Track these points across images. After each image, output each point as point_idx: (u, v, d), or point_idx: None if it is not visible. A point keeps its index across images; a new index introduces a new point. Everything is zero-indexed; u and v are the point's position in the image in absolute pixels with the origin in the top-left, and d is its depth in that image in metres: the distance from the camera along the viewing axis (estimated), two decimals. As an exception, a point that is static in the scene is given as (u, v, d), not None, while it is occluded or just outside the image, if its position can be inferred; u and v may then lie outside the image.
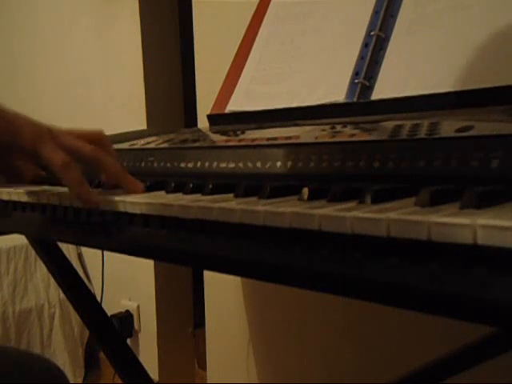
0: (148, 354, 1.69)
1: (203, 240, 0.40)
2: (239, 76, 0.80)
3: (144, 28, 1.59)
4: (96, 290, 1.68)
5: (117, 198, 0.47)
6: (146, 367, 1.00)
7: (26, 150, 0.52)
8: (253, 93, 0.77)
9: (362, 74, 0.65)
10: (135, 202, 0.45)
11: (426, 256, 0.27)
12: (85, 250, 1.89)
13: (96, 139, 0.55)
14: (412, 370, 0.76)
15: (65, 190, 0.56)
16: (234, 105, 0.78)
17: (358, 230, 0.30)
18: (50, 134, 0.52)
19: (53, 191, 0.55)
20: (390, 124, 0.49)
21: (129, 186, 0.52)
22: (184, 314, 1.77)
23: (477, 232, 0.25)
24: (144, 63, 1.60)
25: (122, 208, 0.46)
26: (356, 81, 0.65)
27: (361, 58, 0.66)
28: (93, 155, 0.52)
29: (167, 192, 0.49)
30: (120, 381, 0.99)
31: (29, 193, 0.57)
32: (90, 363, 1.87)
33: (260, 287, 1.19)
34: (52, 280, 1.67)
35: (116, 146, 0.72)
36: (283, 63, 0.75)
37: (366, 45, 0.66)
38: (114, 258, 1.33)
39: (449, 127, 0.43)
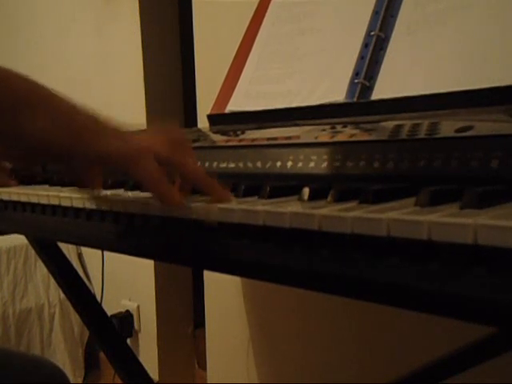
0: (148, 354, 1.69)
1: (203, 240, 0.40)
2: (239, 76, 0.80)
3: (144, 28, 1.59)
4: (96, 290, 1.68)
5: (121, 198, 0.47)
6: (146, 367, 1.00)
7: (112, 162, 0.43)
8: (253, 93, 0.77)
9: (362, 74, 0.65)
10: (142, 201, 0.45)
11: (425, 256, 0.27)
12: (85, 250, 1.89)
13: (178, 146, 0.46)
14: (412, 369, 0.76)
15: (65, 190, 0.56)
16: (234, 105, 0.78)
17: (358, 229, 0.30)
18: (139, 149, 0.43)
19: (53, 191, 0.55)
20: (390, 124, 0.49)
21: (214, 194, 0.43)
22: (184, 314, 1.77)
23: (477, 232, 0.25)
24: (144, 63, 1.60)
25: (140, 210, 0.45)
26: (356, 81, 0.65)
27: (361, 57, 0.66)
28: (168, 155, 0.44)
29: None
30: (120, 381, 0.99)
31: (29, 193, 0.57)
32: (90, 363, 1.87)
33: (260, 287, 1.19)
34: (52, 280, 1.67)
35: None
36: (283, 63, 0.75)
37: (366, 45, 0.66)
38: (114, 258, 1.33)
39: (449, 127, 0.43)
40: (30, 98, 0.41)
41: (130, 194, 0.52)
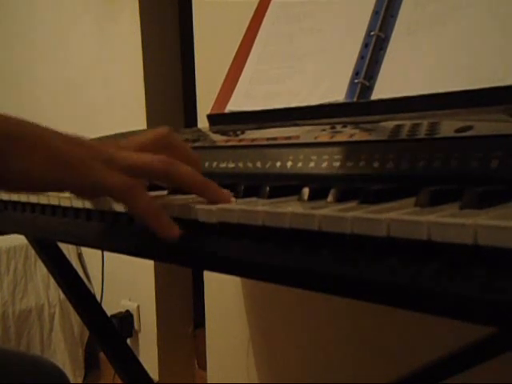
0: (148, 354, 1.69)
1: (203, 240, 0.40)
2: (239, 76, 0.80)
3: (144, 28, 1.59)
4: (96, 290, 1.68)
5: None
6: (146, 367, 1.00)
7: (76, 186, 0.42)
8: (253, 93, 0.77)
9: (362, 74, 0.65)
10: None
11: (426, 256, 0.27)
12: (85, 250, 1.89)
13: (164, 144, 0.45)
14: (412, 369, 0.76)
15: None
16: (234, 105, 0.78)
17: (358, 230, 0.30)
18: (100, 156, 0.41)
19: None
20: (390, 124, 0.49)
21: (214, 198, 0.42)
22: (184, 314, 1.77)
23: (477, 232, 0.25)
24: (144, 63, 1.60)
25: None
26: (356, 81, 0.65)
27: (361, 57, 0.66)
28: (162, 169, 0.42)
29: (168, 192, 0.49)
30: (120, 381, 0.99)
31: (29, 193, 0.57)
32: (90, 363, 1.87)
33: (260, 287, 1.19)
34: (52, 280, 1.67)
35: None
36: (283, 63, 0.75)
37: (366, 45, 0.66)
38: (114, 258, 1.33)
39: (449, 127, 0.43)
40: (13, 135, 0.40)
41: None
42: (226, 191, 0.43)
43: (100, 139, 0.70)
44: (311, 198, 0.38)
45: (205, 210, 0.39)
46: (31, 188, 0.44)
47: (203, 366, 1.55)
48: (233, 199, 0.42)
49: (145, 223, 0.41)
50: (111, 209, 0.47)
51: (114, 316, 1.69)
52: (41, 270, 1.75)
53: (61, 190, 0.44)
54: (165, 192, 0.50)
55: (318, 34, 0.73)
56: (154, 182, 0.48)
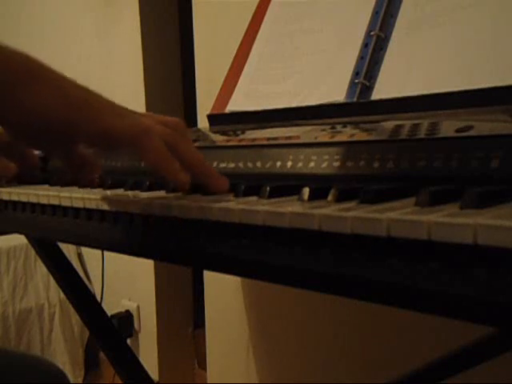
0: (148, 354, 1.69)
1: (203, 240, 0.40)
2: (239, 76, 0.80)
3: (144, 28, 1.59)
4: (96, 290, 1.68)
5: (121, 198, 0.47)
6: (146, 367, 1.00)
7: (122, 140, 0.42)
8: (253, 93, 0.77)
9: (362, 74, 0.65)
10: (141, 201, 0.45)
11: (426, 256, 0.27)
12: (85, 250, 1.89)
13: (175, 126, 0.47)
14: (412, 369, 0.76)
15: (65, 190, 0.56)
16: (234, 105, 0.78)
17: (358, 230, 0.30)
18: (117, 111, 0.42)
19: (53, 191, 0.55)
20: (390, 124, 0.49)
21: (210, 181, 0.43)
22: (184, 314, 1.77)
23: (477, 232, 0.25)
24: (144, 63, 1.60)
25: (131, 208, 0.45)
26: (356, 81, 0.65)
27: (361, 57, 0.66)
28: (169, 138, 0.43)
29: (167, 192, 0.49)
30: (120, 381, 0.99)
31: (29, 193, 0.57)
32: (90, 363, 1.87)
33: (260, 287, 1.19)
34: (52, 280, 1.67)
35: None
36: (283, 63, 0.75)
37: (366, 45, 0.66)
38: (114, 258, 1.33)
39: (449, 127, 0.43)
40: (29, 73, 0.40)
41: (129, 193, 0.52)
42: (224, 178, 0.43)
43: None
44: (311, 197, 0.38)
45: (205, 210, 0.39)
46: (40, 126, 0.41)
47: (203, 366, 1.55)
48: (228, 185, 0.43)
49: (155, 168, 0.41)
50: (111, 209, 0.47)
51: (113, 316, 1.69)
52: (41, 269, 1.75)
53: (69, 134, 0.42)
54: (163, 192, 0.50)
55: (318, 34, 0.73)
56: None
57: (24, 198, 0.57)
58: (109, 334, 0.98)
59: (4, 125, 0.42)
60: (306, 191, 0.38)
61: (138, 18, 1.58)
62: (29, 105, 0.39)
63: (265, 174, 0.50)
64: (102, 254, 1.42)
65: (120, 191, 0.53)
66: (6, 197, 0.60)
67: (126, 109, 0.44)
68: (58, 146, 0.46)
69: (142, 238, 0.45)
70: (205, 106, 1.19)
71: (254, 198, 0.41)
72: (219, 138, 0.66)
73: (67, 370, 1.74)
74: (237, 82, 0.80)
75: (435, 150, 0.40)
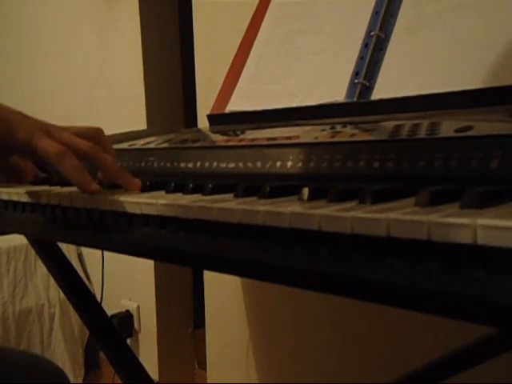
0: (148, 354, 1.69)
1: (203, 240, 0.40)
2: (239, 76, 0.80)
3: (144, 28, 1.59)
4: (96, 290, 1.68)
5: (121, 199, 0.47)
6: (146, 367, 1.00)
7: (21, 145, 0.52)
8: (253, 93, 0.77)
9: (362, 74, 0.65)
10: (141, 202, 0.45)
11: (426, 256, 0.27)
12: (85, 250, 1.89)
13: (93, 136, 0.55)
14: (412, 369, 0.76)
15: (65, 190, 0.56)
16: (234, 105, 0.78)
17: (357, 230, 0.30)
18: (46, 130, 0.52)
19: (53, 191, 0.55)
20: (390, 124, 0.49)
21: (125, 184, 0.52)
22: (184, 314, 1.77)
23: (477, 232, 0.25)
24: (144, 63, 1.60)
25: (131, 209, 0.45)
26: (356, 81, 0.65)
27: (361, 58, 0.66)
28: (88, 151, 0.52)
29: (167, 192, 0.49)
30: (120, 381, 0.99)
31: (29, 193, 0.57)
32: (90, 363, 1.87)
33: (260, 287, 1.19)
34: (52, 280, 1.67)
35: (116, 146, 0.72)
36: (283, 63, 0.75)
37: (365, 45, 0.66)
38: (114, 258, 1.33)
39: (448, 127, 0.43)
40: None
41: (130, 193, 0.52)
42: (136, 180, 0.52)
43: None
44: (311, 197, 0.38)
45: (205, 210, 0.39)
46: None
47: (203, 366, 1.55)
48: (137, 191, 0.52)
49: (71, 179, 0.50)
50: (111, 209, 0.47)
51: (114, 316, 1.69)
52: (41, 269, 1.75)
53: (8, 150, 0.55)
54: (163, 192, 0.50)
55: (317, 34, 0.73)
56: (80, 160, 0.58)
57: (24, 198, 0.57)
58: (109, 334, 0.98)
59: None
60: (306, 191, 0.38)
61: (137, 17, 1.58)
62: None
63: (265, 174, 0.50)
64: (102, 254, 1.42)
65: (120, 191, 0.53)
66: (5, 197, 0.60)
67: (50, 126, 0.54)
68: None
69: (142, 238, 0.45)
70: (205, 106, 1.19)
71: (253, 198, 0.41)
72: (219, 138, 0.66)
73: (67, 370, 1.74)
74: (237, 82, 0.80)
75: (435, 150, 0.40)
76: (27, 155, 0.57)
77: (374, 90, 0.63)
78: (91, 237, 0.51)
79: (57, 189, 0.58)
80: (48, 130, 0.52)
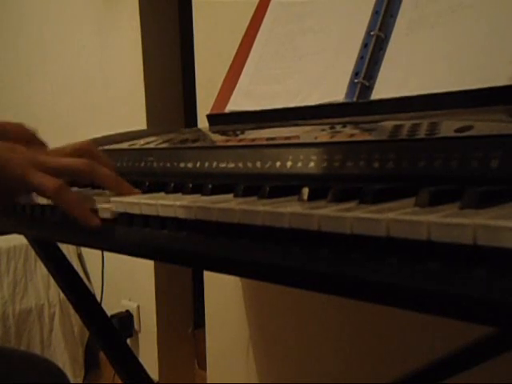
0: (148, 354, 1.69)
1: (203, 240, 0.40)
2: (239, 76, 0.80)
3: (144, 28, 1.59)
4: (96, 290, 1.68)
5: (121, 200, 0.47)
6: (146, 367, 1.00)
7: (15, 184, 0.49)
8: (253, 93, 0.77)
9: (362, 74, 0.65)
10: (141, 202, 0.45)
11: (426, 256, 0.27)
12: (85, 250, 1.89)
13: (86, 152, 0.54)
14: (412, 369, 0.76)
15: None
16: (234, 105, 0.78)
17: (357, 230, 0.30)
18: (37, 163, 0.49)
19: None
20: (390, 124, 0.49)
21: (125, 194, 0.51)
22: (184, 314, 1.77)
23: (477, 232, 0.25)
24: (144, 63, 1.60)
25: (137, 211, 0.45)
26: (356, 81, 0.65)
27: (361, 57, 0.66)
28: (84, 169, 0.50)
29: (167, 192, 0.49)
30: (120, 381, 0.99)
31: (28, 193, 0.57)
32: (90, 363, 1.87)
33: (260, 287, 1.19)
34: (52, 280, 1.67)
35: (116, 146, 0.72)
36: (283, 63, 0.75)
37: (365, 45, 0.66)
38: (114, 258, 1.33)
39: (448, 127, 0.43)
40: None
41: None
42: (136, 190, 0.52)
43: (94, 139, 0.77)
44: (311, 197, 0.38)
45: (205, 210, 0.39)
46: None
47: (203, 366, 1.55)
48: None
49: (70, 214, 0.48)
50: (111, 209, 0.47)
51: (114, 316, 1.69)
52: (41, 270, 1.75)
53: (2, 189, 0.50)
54: (162, 192, 0.50)
55: (318, 34, 0.73)
56: (78, 180, 0.58)
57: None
58: (109, 334, 0.98)
59: None
60: (306, 191, 0.38)
61: (137, 17, 1.58)
62: None
63: (265, 174, 0.50)
64: (102, 254, 1.42)
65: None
66: (5, 197, 0.60)
67: (48, 157, 0.51)
68: None
69: (142, 238, 0.45)
70: (205, 106, 1.19)
71: (253, 198, 0.41)
72: (219, 138, 0.66)
73: (67, 370, 1.74)
74: (237, 82, 0.80)
75: (435, 150, 0.40)
76: (23, 192, 0.54)
77: (374, 90, 0.63)
78: (91, 237, 0.51)
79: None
80: (39, 163, 0.49)
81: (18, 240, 1.70)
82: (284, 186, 0.42)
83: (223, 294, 1.28)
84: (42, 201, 0.55)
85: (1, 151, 0.49)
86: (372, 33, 0.66)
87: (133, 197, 0.48)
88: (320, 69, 0.70)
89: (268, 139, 0.55)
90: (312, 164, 0.47)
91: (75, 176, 0.52)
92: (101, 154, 0.56)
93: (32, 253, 1.71)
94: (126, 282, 1.73)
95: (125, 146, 0.71)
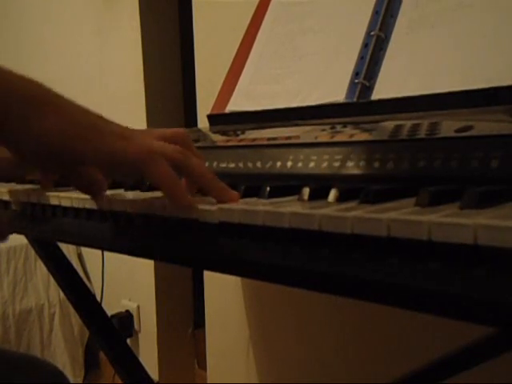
0: (148, 354, 1.69)
1: (203, 240, 0.40)
2: (239, 76, 0.80)
3: (144, 28, 1.59)
4: (96, 290, 1.68)
5: (122, 199, 0.47)
6: (146, 367, 1.00)
7: (101, 162, 0.42)
8: (253, 93, 0.77)
9: (362, 74, 0.65)
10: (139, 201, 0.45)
11: (426, 256, 0.27)
12: (85, 250, 1.89)
13: (180, 140, 0.46)
14: (412, 369, 0.76)
15: (65, 190, 0.56)
16: (234, 105, 0.78)
17: (358, 230, 0.30)
18: (124, 134, 0.43)
19: (53, 191, 0.55)
20: (390, 124, 0.49)
21: (220, 196, 0.42)
22: (184, 314, 1.77)
23: (477, 232, 0.25)
24: (144, 63, 1.60)
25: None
26: (356, 81, 0.65)
27: (361, 58, 0.66)
28: (178, 157, 0.42)
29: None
30: (120, 381, 0.99)
31: (29, 193, 0.57)
32: (90, 363, 1.87)
33: (260, 287, 1.19)
34: (52, 280, 1.67)
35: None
36: (283, 63, 0.75)
37: (365, 45, 0.66)
38: (114, 258, 1.33)
39: (449, 127, 0.43)
40: (36, 99, 0.41)
41: (129, 193, 0.52)
42: (234, 193, 0.43)
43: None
44: (311, 197, 0.38)
45: (205, 210, 0.39)
46: (47, 153, 0.41)
47: (203, 366, 1.55)
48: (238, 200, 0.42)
49: (162, 189, 0.41)
50: (111, 209, 0.47)
51: (114, 316, 1.69)
52: (41, 270, 1.75)
53: (75, 160, 0.43)
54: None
55: (318, 34, 0.73)
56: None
57: (24, 198, 0.57)
58: (109, 334, 0.98)
59: (12, 149, 0.42)
60: (306, 191, 0.38)
61: (137, 17, 1.58)
62: (36, 132, 0.40)
63: (265, 174, 0.50)
64: (102, 254, 1.42)
65: (120, 191, 0.53)
66: (6, 197, 0.60)
67: (133, 131, 0.44)
68: (66, 169, 0.47)
69: (142, 238, 0.45)
70: (205, 106, 1.19)
71: (253, 198, 0.41)
72: (219, 138, 0.66)
73: (67, 370, 1.74)
74: (237, 81, 0.80)
75: (435, 150, 0.40)
76: (100, 167, 0.46)
77: (374, 90, 0.63)
78: (91, 237, 0.51)
79: (57, 189, 0.58)
80: (127, 136, 0.43)
81: (18, 240, 1.70)
82: (284, 185, 0.42)
83: (223, 294, 1.28)
84: (43, 200, 0.55)
85: (99, 120, 0.44)
86: (372, 33, 0.66)
87: (130, 195, 0.48)
88: (320, 69, 0.70)
89: (268, 139, 0.55)
90: (312, 164, 0.47)
91: (181, 170, 0.43)
92: (194, 146, 0.48)
93: (32, 253, 1.71)
94: (126, 282, 1.73)
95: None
